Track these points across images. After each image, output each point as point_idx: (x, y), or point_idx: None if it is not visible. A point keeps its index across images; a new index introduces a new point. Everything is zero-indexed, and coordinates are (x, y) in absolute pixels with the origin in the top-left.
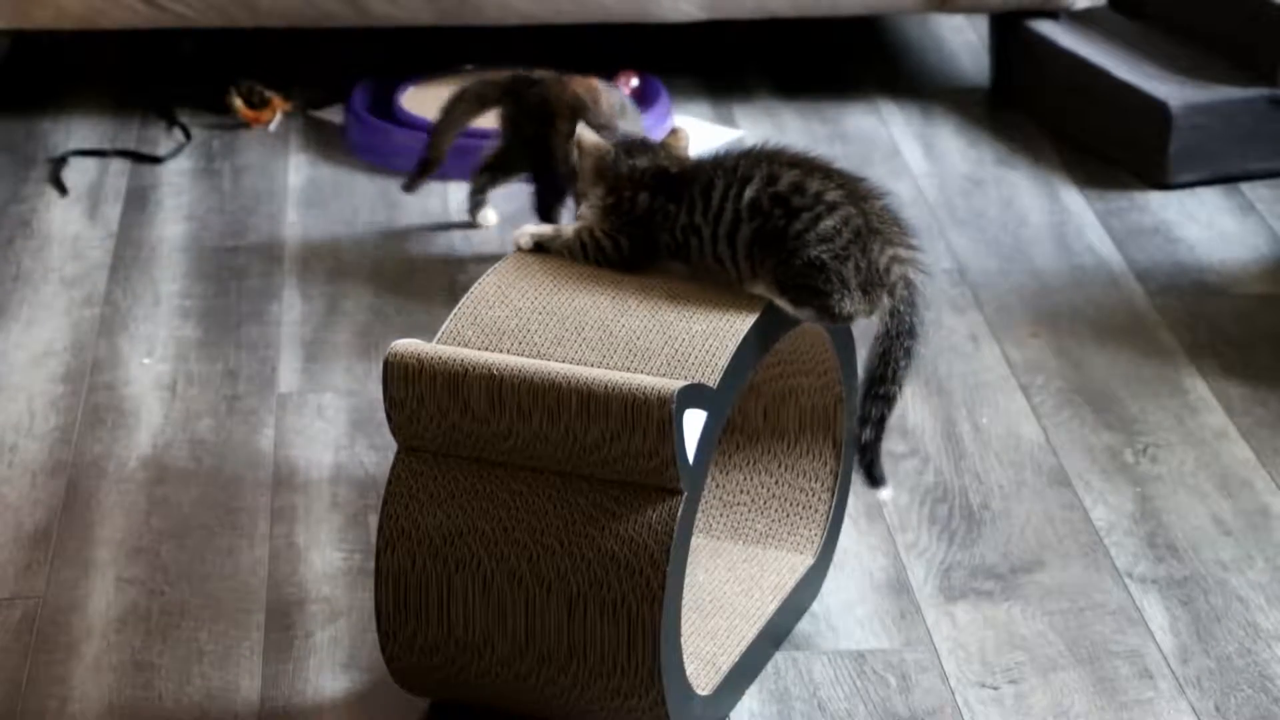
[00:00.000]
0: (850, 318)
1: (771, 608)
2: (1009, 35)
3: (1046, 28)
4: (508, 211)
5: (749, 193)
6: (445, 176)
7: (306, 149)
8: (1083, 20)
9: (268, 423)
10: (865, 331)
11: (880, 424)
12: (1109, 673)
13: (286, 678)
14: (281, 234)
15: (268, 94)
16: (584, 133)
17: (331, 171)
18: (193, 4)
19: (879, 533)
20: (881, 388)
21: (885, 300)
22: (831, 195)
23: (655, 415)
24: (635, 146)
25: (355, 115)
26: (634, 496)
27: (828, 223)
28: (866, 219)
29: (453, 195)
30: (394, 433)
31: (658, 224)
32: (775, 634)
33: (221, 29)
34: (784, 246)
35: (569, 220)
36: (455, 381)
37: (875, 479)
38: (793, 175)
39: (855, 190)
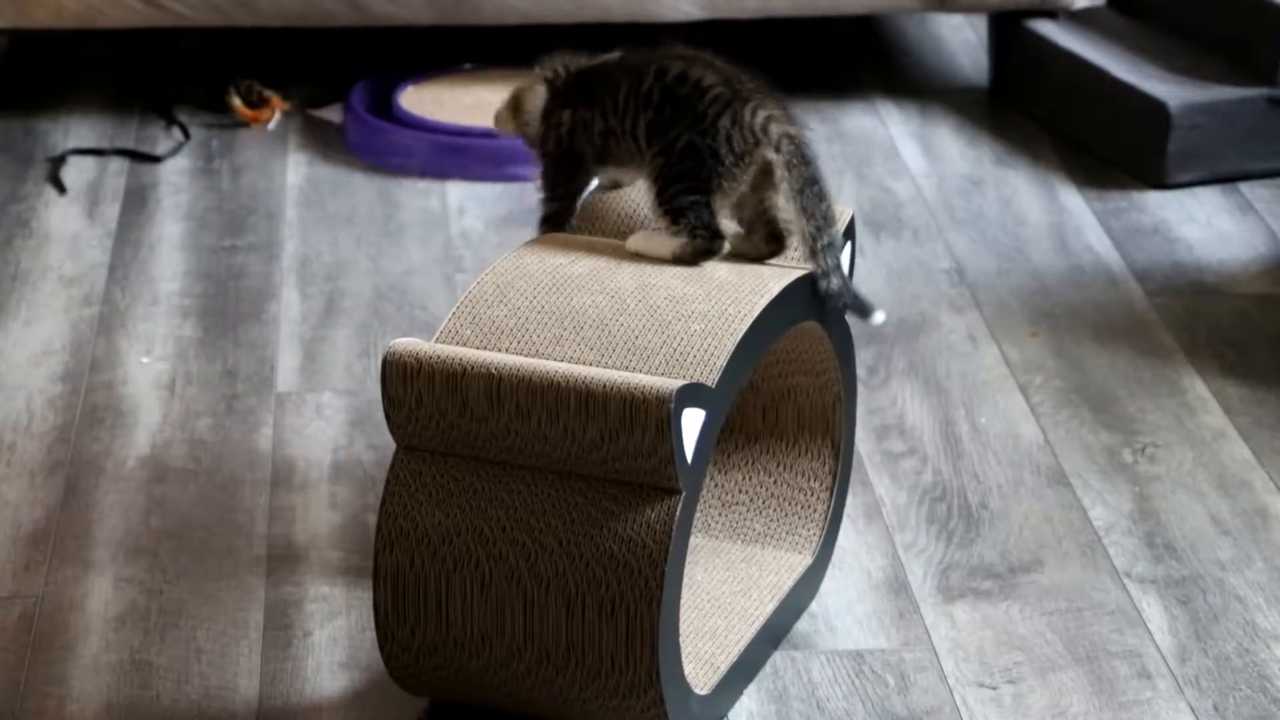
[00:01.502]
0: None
1: (770, 607)
2: (1008, 35)
3: (1045, 27)
4: (498, 214)
5: (644, 86)
6: (444, 176)
7: (305, 148)
8: (1082, 20)
9: (266, 422)
10: (863, 334)
11: (838, 268)
12: (1107, 672)
13: (285, 677)
14: (280, 233)
15: (267, 93)
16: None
17: (330, 171)
18: (191, 3)
19: (877, 532)
20: (820, 239)
21: (771, 154)
22: (708, 79)
23: (654, 414)
24: (565, 63)
25: (354, 114)
26: (632, 496)
27: (700, 105)
28: (735, 91)
29: (451, 194)
30: (392, 432)
31: (581, 137)
32: (773, 634)
33: (220, 28)
34: (665, 136)
35: None
36: (454, 381)
37: (864, 309)
38: (679, 66)
39: (734, 74)
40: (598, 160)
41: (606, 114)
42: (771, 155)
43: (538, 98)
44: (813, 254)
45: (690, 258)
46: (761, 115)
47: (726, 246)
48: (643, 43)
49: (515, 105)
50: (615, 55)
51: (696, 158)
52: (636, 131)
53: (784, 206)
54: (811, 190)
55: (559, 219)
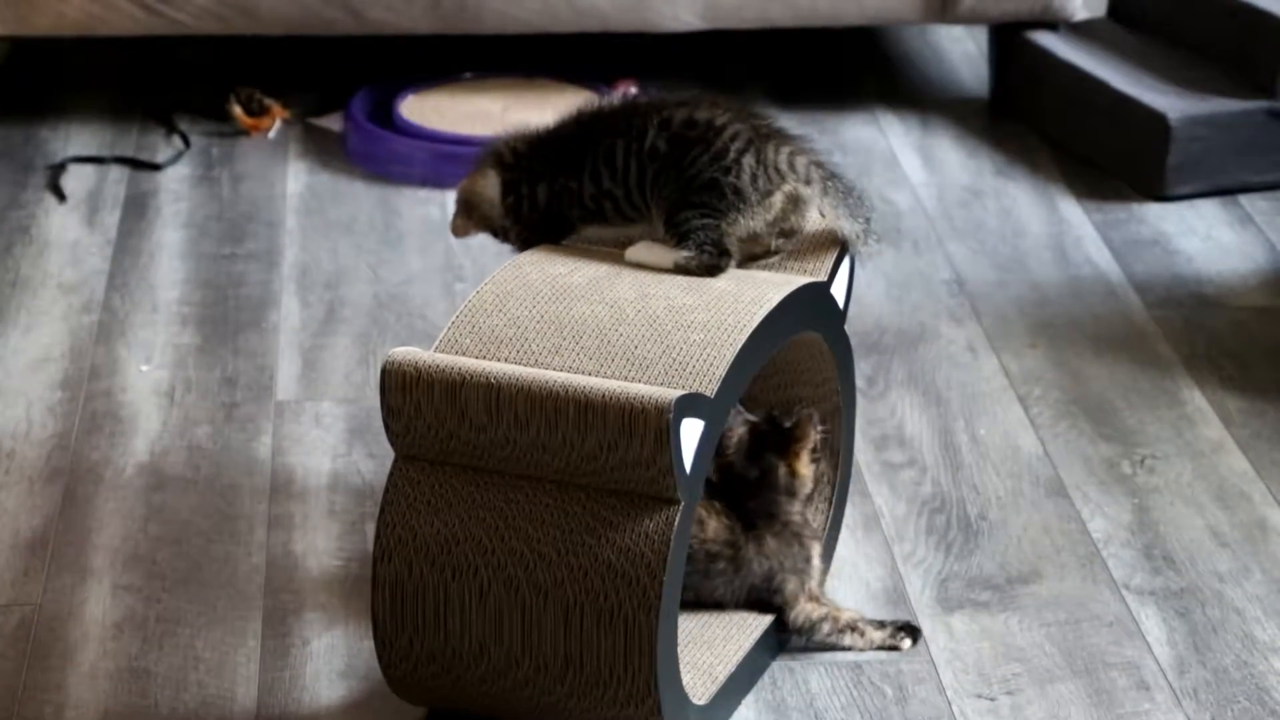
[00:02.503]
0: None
1: (769, 617)
2: (1008, 46)
3: (1046, 39)
4: None
5: (648, 142)
6: (444, 184)
7: (305, 156)
8: (1082, 31)
9: (265, 430)
10: (863, 345)
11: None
12: (1106, 684)
13: (283, 685)
14: (280, 241)
15: (267, 101)
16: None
17: (330, 179)
18: (192, 11)
19: (876, 543)
20: (871, 232)
21: (801, 187)
22: (720, 119)
23: (653, 424)
24: (510, 143)
25: (354, 123)
26: (631, 505)
27: (718, 144)
28: (755, 129)
29: (451, 203)
30: (391, 441)
31: (566, 204)
32: (772, 643)
33: (221, 36)
34: (682, 176)
35: None
36: (453, 390)
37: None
38: (683, 113)
39: (743, 111)
40: (583, 221)
41: (600, 178)
42: (803, 189)
43: (489, 187)
44: (865, 242)
45: (695, 270)
46: (785, 152)
47: (733, 265)
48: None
49: (466, 207)
50: (573, 117)
51: (717, 191)
52: (643, 186)
53: (832, 220)
54: (853, 196)
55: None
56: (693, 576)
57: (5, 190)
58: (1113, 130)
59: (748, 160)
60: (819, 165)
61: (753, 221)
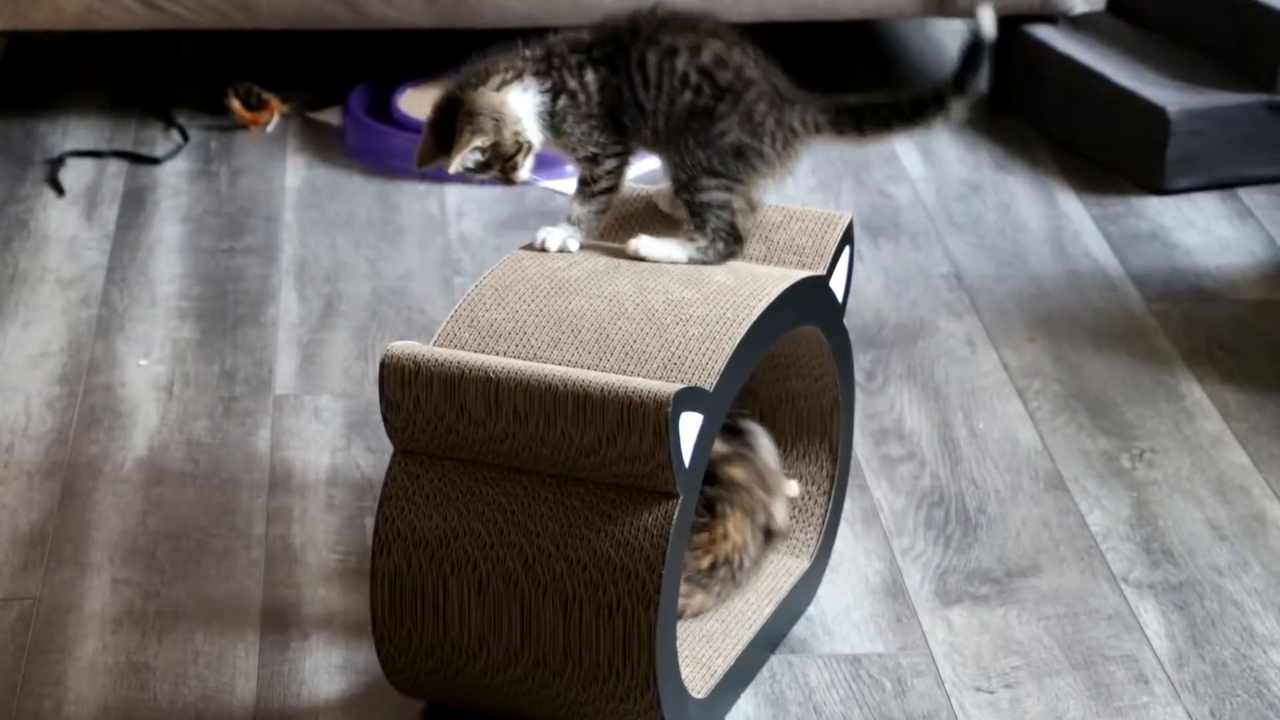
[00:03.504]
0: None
1: (767, 611)
2: (1007, 40)
3: (1045, 33)
4: (499, 215)
5: (679, 65)
6: (443, 179)
7: (304, 151)
8: (1081, 25)
9: (264, 424)
10: (862, 339)
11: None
12: (1104, 678)
13: (282, 680)
14: (279, 236)
15: (265, 96)
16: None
17: (329, 173)
18: (190, 5)
19: (875, 537)
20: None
21: (810, 139)
22: (749, 71)
23: (651, 418)
24: (534, 50)
25: (353, 117)
26: (630, 500)
27: (746, 101)
28: (775, 89)
29: (449, 197)
30: (390, 435)
31: (614, 100)
32: (771, 638)
33: (219, 30)
34: (710, 131)
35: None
36: (451, 384)
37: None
38: (715, 45)
39: (759, 61)
40: (631, 130)
41: (634, 86)
42: (805, 143)
43: (519, 101)
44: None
45: (711, 261)
46: (797, 110)
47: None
48: None
49: (477, 124)
50: (600, 24)
51: (741, 157)
52: (671, 111)
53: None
54: (869, 108)
55: (612, 184)
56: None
57: (3, 185)
58: (1112, 124)
59: (769, 124)
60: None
61: (769, 179)
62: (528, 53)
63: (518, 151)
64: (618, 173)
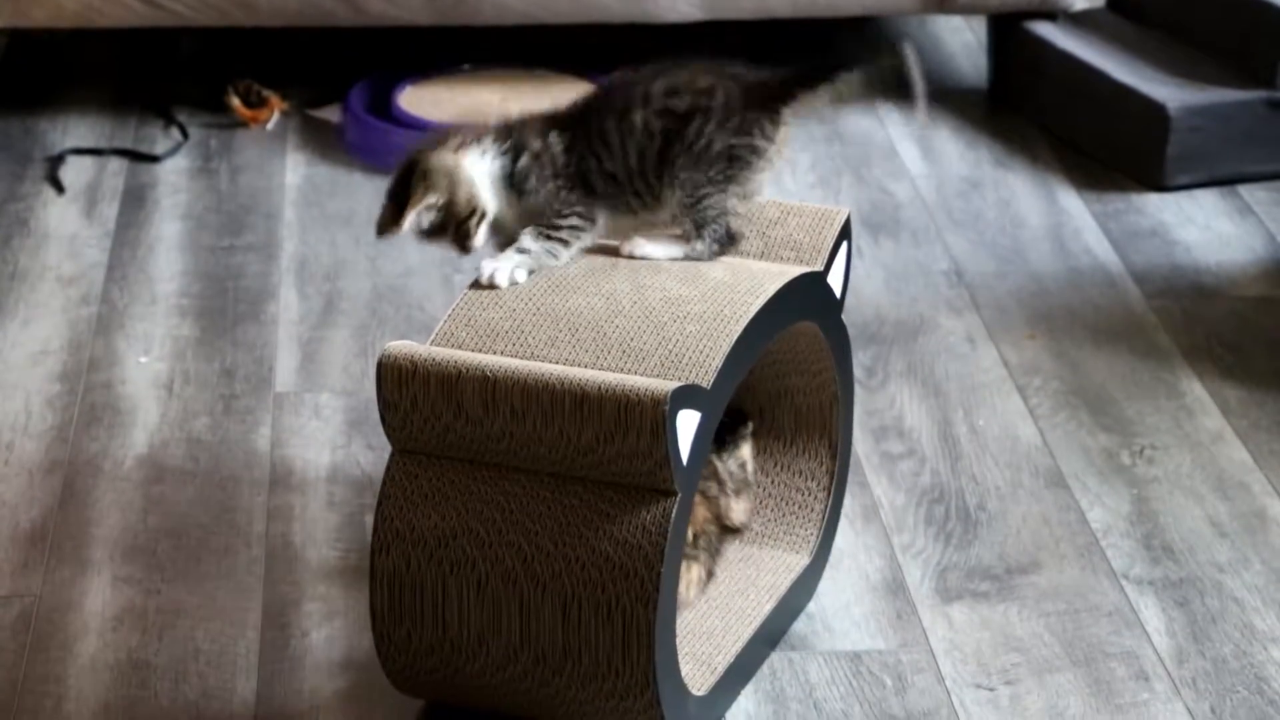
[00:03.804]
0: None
1: (767, 608)
2: (1007, 37)
3: (1045, 29)
4: None
5: (636, 120)
6: None
7: (304, 148)
8: (1081, 22)
9: (264, 422)
10: (861, 336)
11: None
12: (1105, 674)
13: (282, 677)
14: (279, 233)
15: (265, 93)
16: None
17: (329, 171)
18: (190, 3)
19: (875, 533)
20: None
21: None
22: (703, 80)
23: (649, 416)
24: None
25: (353, 115)
26: (628, 498)
27: (716, 107)
28: (736, 80)
29: None
30: (388, 435)
31: (587, 167)
32: (771, 634)
33: (219, 28)
34: (692, 151)
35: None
36: (449, 383)
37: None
38: (661, 84)
39: (712, 66)
40: (604, 195)
41: (602, 160)
42: (789, 121)
43: (479, 162)
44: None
45: (707, 259)
46: (766, 88)
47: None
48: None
49: (432, 183)
50: (561, 109)
51: (734, 160)
52: (645, 167)
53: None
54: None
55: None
56: None
57: (3, 182)
58: (1112, 121)
59: (750, 115)
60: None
61: (767, 169)
62: (490, 124)
63: (470, 216)
64: (578, 232)
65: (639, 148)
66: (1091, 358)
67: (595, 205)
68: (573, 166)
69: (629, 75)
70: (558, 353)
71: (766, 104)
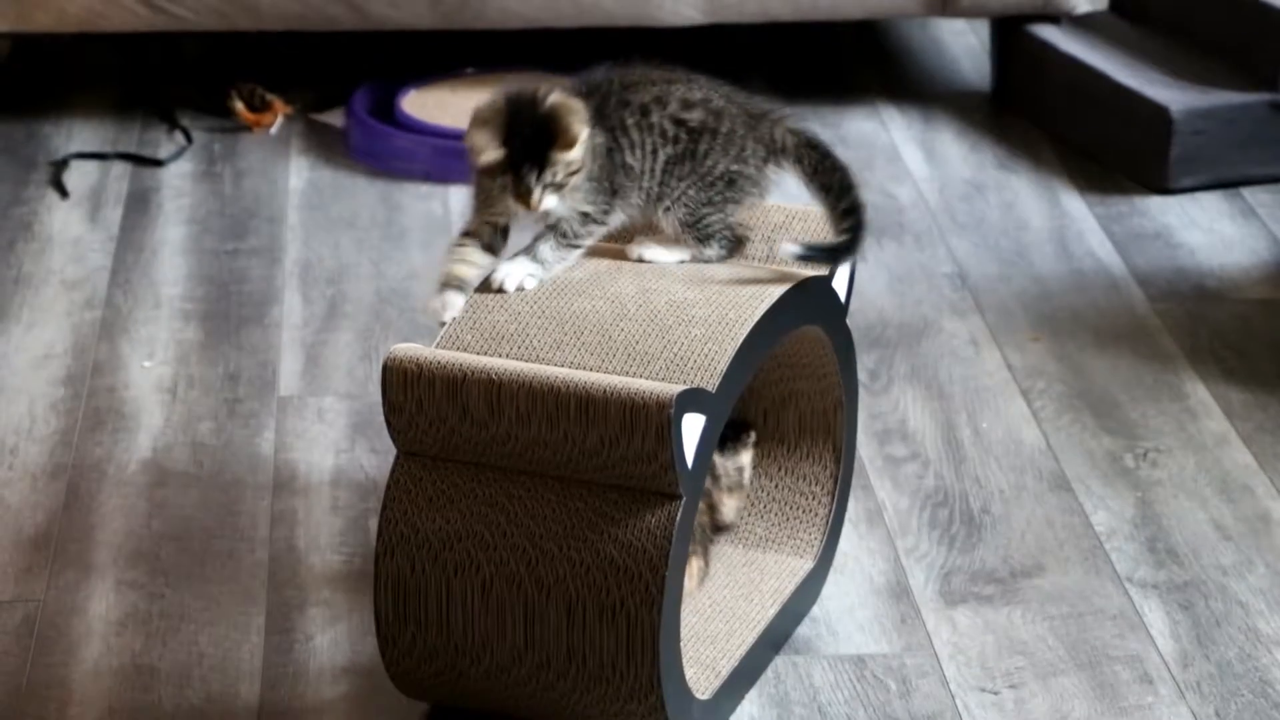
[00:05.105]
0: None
1: (771, 612)
2: (1010, 39)
3: (1048, 32)
4: None
5: (655, 120)
6: (447, 180)
7: (307, 152)
8: (1084, 25)
9: (268, 426)
10: (866, 339)
11: (859, 226)
12: (1109, 677)
13: (286, 681)
14: (282, 237)
15: (269, 97)
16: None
17: (332, 175)
18: (194, 7)
19: (879, 537)
20: (843, 201)
21: (786, 163)
22: (716, 101)
23: (654, 419)
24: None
25: (356, 119)
26: (633, 501)
27: (724, 131)
28: (743, 109)
29: (453, 198)
30: (393, 438)
31: (609, 164)
32: (775, 638)
33: (222, 32)
34: (697, 170)
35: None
36: (454, 386)
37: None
38: (678, 91)
39: (721, 87)
40: (618, 194)
41: (623, 149)
42: (786, 164)
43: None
44: (838, 214)
45: (714, 262)
46: (778, 129)
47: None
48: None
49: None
50: (581, 86)
51: (733, 184)
52: (656, 167)
53: (810, 190)
54: (825, 165)
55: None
56: None
57: (7, 187)
58: (1115, 123)
59: (750, 144)
60: (790, 131)
61: (760, 197)
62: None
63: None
64: (593, 236)
65: (655, 148)
66: (1095, 361)
67: (614, 205)
68: (601, 165)
69: (637, 71)
70: (563, 356)
71: (811, 164)
